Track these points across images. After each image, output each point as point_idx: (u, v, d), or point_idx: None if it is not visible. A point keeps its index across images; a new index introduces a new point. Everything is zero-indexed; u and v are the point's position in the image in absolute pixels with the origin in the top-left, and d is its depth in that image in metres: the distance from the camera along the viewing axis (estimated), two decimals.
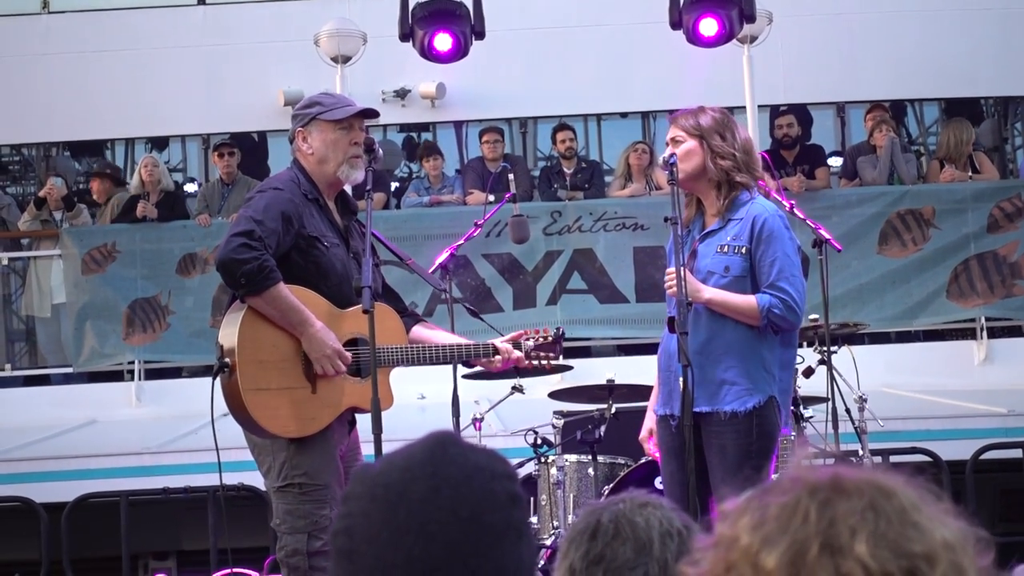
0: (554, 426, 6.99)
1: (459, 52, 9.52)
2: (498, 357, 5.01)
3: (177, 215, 11.41)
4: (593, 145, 13.91)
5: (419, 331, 5.08)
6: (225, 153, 11.55)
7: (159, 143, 13.88)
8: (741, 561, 1.47)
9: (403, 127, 13.76)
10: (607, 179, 12.03)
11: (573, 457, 6.74)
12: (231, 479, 7.19)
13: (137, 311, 10.96)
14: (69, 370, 11.21)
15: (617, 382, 6.91)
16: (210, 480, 8.06)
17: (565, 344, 5.32)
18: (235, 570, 6.96)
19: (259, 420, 4.62)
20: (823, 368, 7.11)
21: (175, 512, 9.40)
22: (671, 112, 5.08)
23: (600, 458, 6.71)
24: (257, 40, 12.92)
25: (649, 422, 5.07)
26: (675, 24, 9.45)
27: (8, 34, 12.97)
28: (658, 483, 6.13)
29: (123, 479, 8.79)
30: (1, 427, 10.45)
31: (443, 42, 9.44)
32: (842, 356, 7.42)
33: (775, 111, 12.06)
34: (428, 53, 9.52)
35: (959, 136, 11.21)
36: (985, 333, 10.91)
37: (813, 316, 7.08)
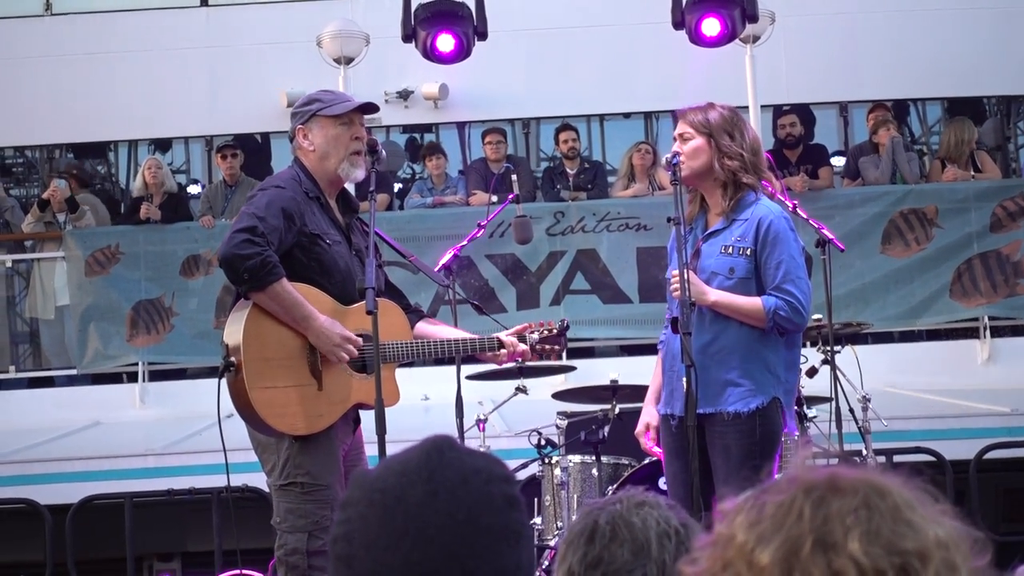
0: (558, 427, 7.00)
1: (462, 53, 9.52)
2: (503, 351, 4.99)
3: (180, 217, 11.43)
4: (596, 145, 13.91)
5: (423, 327, 5.08)
6: (228, 155, 11.57)
7: (162, 145, 13.88)
8: (737, 558, 1.48)
9: (406, 128, 13.77)
10: (610, 179, 12.04)
11: (577, 458, 6.74)
12: (235, 480, 7.18)
13: (141, 313, 10.97)
14: (73, 372, 11.23)
15: (621, 383, 6.91)
16: (214, 481, 8.08)
17: (568, 345, 5.32)
18: (240, 571, 6.97)
19: (266, 418, 4.62)
20: (827, 368, 7.12)
21: (179, 514, 9.42)
22: (674, 112, 5.06)
23: (604, 459, 6.70)
24: (260, 42, 12.93)
25: (646, 416, 5.06)
26: (677, 24, 9.45)
27: (11, 36, 12.99)
28: (662, 483, 6.14)
29: (127, 481, 8.79)
30: (5, 429, 10.46)
31: (445, 43, 9.45)
32: (845, 356, 7.43)
33: (778, 111, 12.06)
34: (431, 54, 9.53)
35: (959, 136, 11.21)
36: (988, 332, 10.90)
37: (816, 316, 7.08)
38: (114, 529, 8.50)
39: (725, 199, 4.85)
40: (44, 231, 11.56)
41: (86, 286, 11.04)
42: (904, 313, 10.84)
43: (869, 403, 7.34)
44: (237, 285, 4.66)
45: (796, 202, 6.58)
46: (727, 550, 1.50)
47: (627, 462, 6.74)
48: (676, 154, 4.86)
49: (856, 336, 8.25)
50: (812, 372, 7.17)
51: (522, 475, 7.37)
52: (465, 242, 6.89)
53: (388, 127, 13.26)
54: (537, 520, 6.82)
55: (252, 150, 12.88)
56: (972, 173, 11.08)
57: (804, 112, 12.34)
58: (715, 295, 4.75)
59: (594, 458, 6.69)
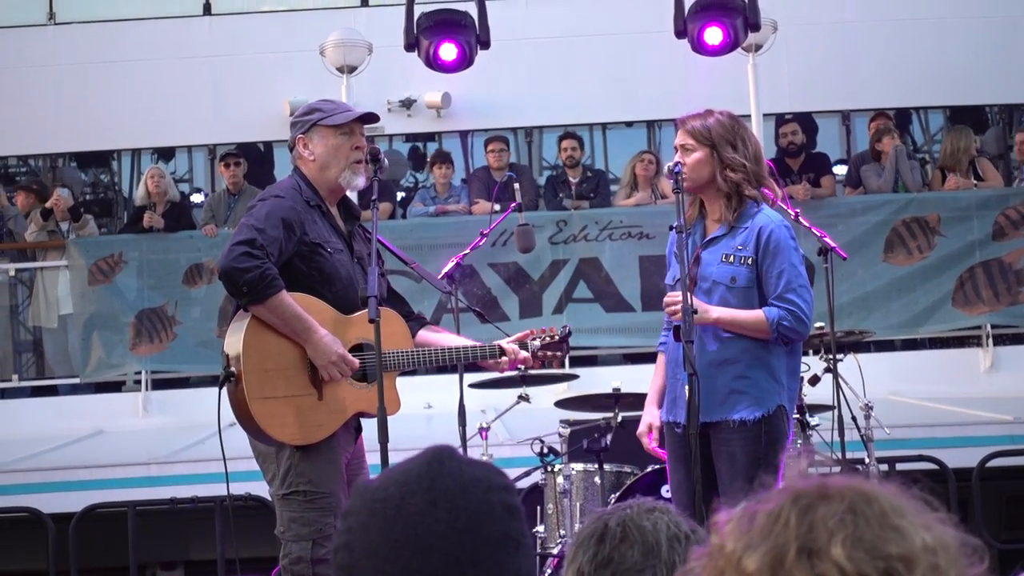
0: (560, 435, 7.01)
1: (464, 62, 9.53)
2: (505, 358, 5.00)
3: (183, 226, 11.44)
4: (599, 154, 13.92)
5: (425, 335, 5.08)
6: (231, 163, 11.57)
7: (165, 153, 13.90)
8: (727, 567, 1.51)
9: (409, 137, 13.78)
10: (612, 188, 12.05)
11: (579, 466, 6.74)
12: (238, 489, 7.19)
13: (144, 321, 10.98)
14: (76, 381, 11.23)
15: (623, 391, 6.92)
16: (217, 490, 8.07)
17: (571, 353, 5.31)
18: None
19: (266, 428, 4.63)
20: (829, 376, 7.12)
21: (183, 522, 9.42)
22: (676, 121, 5.04)
23: (606, 467, 6.71)
24: (263, 50, 12.95)
25: (648, 417, 5.05)
26: (680, 33, 9.46)
27: (15, 45, 13.01)
28: (664, 491, 6.14)
29: (130, 489, 8.80)
30: (9, 438, 10.46)
31: (448, 52, 9.45)
32: (848, 364, 7.42)
33: (780, 119, 12.07)
34: (433, 63, 9.53)
35: (956, 144, 11.24)
36: (991, 340, 10.90)
37: (819, 324, 7.08)
38: (117, 538, 8.51)
39: (728, 210, 4.83)
40: (47, 240, 11.57)
41: (89, 295, 11.05)
42: (907, 321, 10.84)
43: (871, 411, 7.34)
44: (236, 298, 4.67)
45: (798, 211, 6.58)
46: (719, 559, 1.52)
47: (630, 470, 6.74)
48: (678, 163, 4.84)
49: (858, 344, 8.26)
50: (814, 380, 7.17)
51: (525, 483, 7.38)
52: (468, 250, 6.88)
53: (391, 136, 13.27)
54: (540, 528, 6.82)
55: (255, 159, 12.90)
56: (974, 181, 11.08)
57: (806, 121, 12.35)
58: (717, 312, 4.74)
59: (597, 466, 6.70)
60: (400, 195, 12.83)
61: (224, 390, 4.67)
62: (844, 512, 1.48)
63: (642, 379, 6.26)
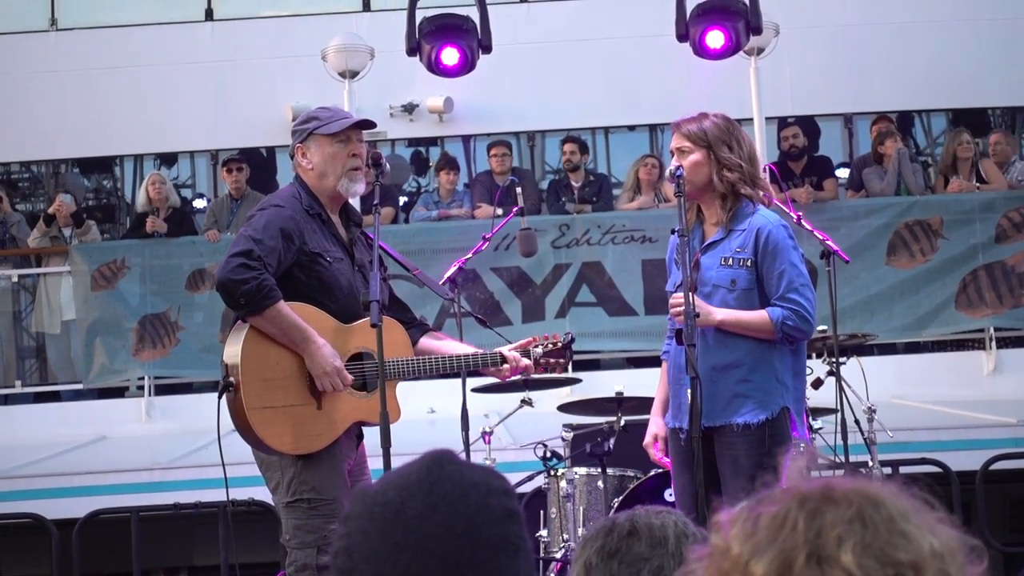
0: (563, 439, 7.00)
1: (466, 66, 9.53)
2: (506, 366, 4.99)
3: (185, 231, 11.45)
4: (601, 158, 13.92)
5: (427, 342, 5.07)
6: (234, 168, 11.58)
7: (168, 159, 13.91)
8: (732, 570, 1.49)
9: (411, 141, 13.78)
10: (615, 192, 12.05)
11: (583, 470, 6.74)
12: (241, 494, 7.20)
13: (147, 327, 10.99)
14: (79, 386, 11.24)
15: (626, 395, 6.91)
16: (220, 495, 8.02)
17: (574, 357, 5.31)
18: None
19: (265, 438, 4.62)
20: (832, 379, 7.11)
21: (186, 528, 9.42)
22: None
23: (610, 471, 6.70)
24: (265, 56, 12.96)
25: (654, 427, 5.06)
26: (682, 37, 9.46)
27: (17, 51, 13.03)
28: (668, 495, 6.14)
29: (134, 495, 8.80)
30: (12, 444, 10.47)
31: (450, 56, 9.46)
32: (851, 367, 7.42)
33: (782, 123, 12.07)
34: (435, 67, 9.54)
35: (949, 146, 11.28)
36: (994, 343, 10.89)
37: (822, 327, 7.07)
38: (120, 543, 8.51)
39: (723, 211, 4.84)
40: (50, 246, 11.58)
41: (92, 300, 11.06)
42: (909, 324, 10.83)
43: (875, 414, 7.34)
44: (234, 309, 4.66)
45: (801, 214, 6.58)
46: (723, 562, 1.51)
47: (633, 474, 6.74)
48: (680, 167, 4.84)
49: (861, 347, 8.25)
50: (818, 384, 7.16)
51: (528, 487, 7.38)
52: (470, 255, 6.89)
53: (393, 141, 13.28)
54: (543, 532, 6.82)
55: (258, 164, 12.91)
56: (977, 184, 11.08)
57: (808, 124, 12.35)
58: (721, 314, 4.73)
59: (600, 470, 6.69)
60: (403, 200, 12.83)
61: (223, 399, 4.67)
62: (852, 517, 1.47)
63: (645, 383, 6.27)
